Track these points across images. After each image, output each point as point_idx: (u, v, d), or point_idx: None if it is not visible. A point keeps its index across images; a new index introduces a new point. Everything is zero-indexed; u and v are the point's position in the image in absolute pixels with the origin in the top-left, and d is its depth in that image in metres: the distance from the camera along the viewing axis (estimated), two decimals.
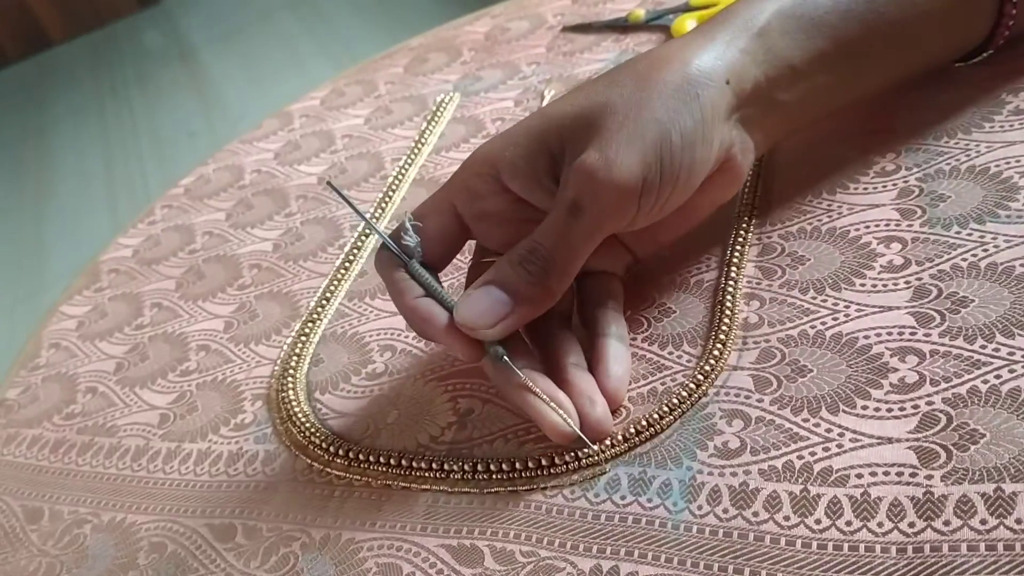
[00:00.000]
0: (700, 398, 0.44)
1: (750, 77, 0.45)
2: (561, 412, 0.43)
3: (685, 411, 0.44)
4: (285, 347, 0.58)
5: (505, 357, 0.44)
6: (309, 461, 0.50)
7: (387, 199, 0.67)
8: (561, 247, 0.43)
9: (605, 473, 0.43)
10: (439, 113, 0.75)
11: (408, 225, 0.46)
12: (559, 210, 0.43)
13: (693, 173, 0.44)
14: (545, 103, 0.70)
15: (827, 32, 0.47)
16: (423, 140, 0.72)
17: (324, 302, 0.60)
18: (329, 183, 0.46)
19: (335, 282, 0.61)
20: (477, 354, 0.45)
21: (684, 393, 0.44)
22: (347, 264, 0.62)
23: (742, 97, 0.45)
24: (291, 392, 0.54)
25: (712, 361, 0.45)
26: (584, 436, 0.43)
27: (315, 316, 0.59)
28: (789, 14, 0.46)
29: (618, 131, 0.42)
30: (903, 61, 0.50)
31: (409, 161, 0.70)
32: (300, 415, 0.52)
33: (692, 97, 0.43)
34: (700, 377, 0.44)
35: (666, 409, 0.44)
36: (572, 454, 0.44)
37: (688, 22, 0.72)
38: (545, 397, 0.43)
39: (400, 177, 0.69)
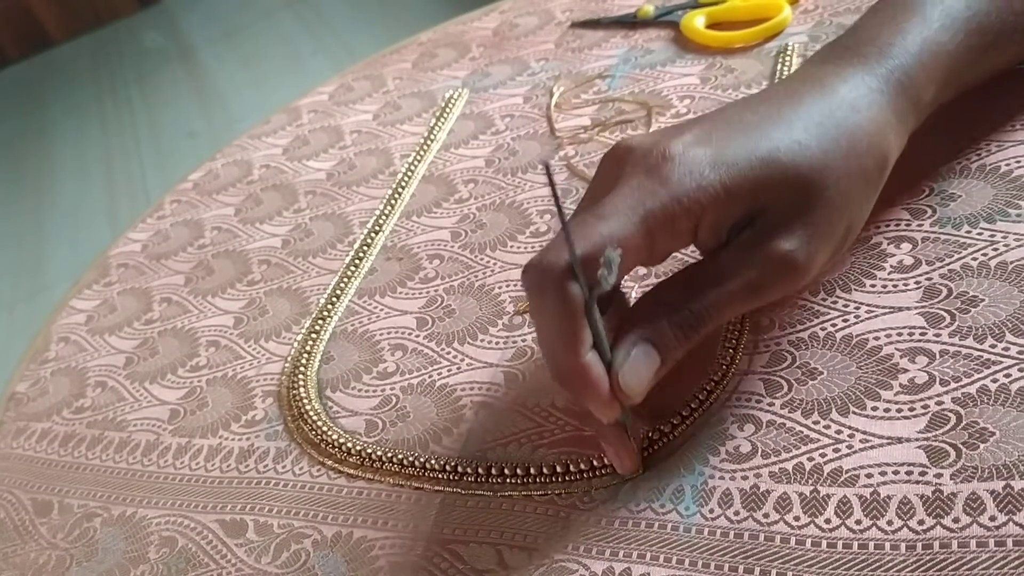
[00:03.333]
0: (712, 404, 0.44)
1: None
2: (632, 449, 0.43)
3: (698, 418, 0.44)
4: (295, 344, 0.58)
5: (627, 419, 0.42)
6: (321, 459, 0.50)
7: (396, 196, 0.67)
8: (722, 317, 0.41)
9: (619, 484, 0.43)
10: (448, 109, 0.75)
11: (614, 259, 0.38)
12: (742, 287, 0.41)
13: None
14: (554, 100, 0.70)
15: (955, 82, 0.47)
16: (432, 136, 0.72)
17: (334, 299, 0.60)
18: (546, 166, 0.39)
19: (345, 279, 0.61)
20: (616, 416, 0.41)
21: (698, 399, 0.44)
22: (357, 261, 0.62)
23: None
24: (302, 389, 0.54)
25: (723, 366, 0.45)
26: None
27: (325, 313, 0.59)
28: (941, 83, 0.46)
29: (825, 221, 0.41)
30: (998, 68, 0.50)
31: (418, 157, 0.70)
32: (311, 413, 0.52)
33: (876, 188, 0.44)
34: (712, 383, 0.45)
35: (679, 417, 0.44)
36: (587, 462, 0.44)
37: (697, 19, 0.71)
38: (629, 442, 0.42)
39: (409, 174, 0.69)
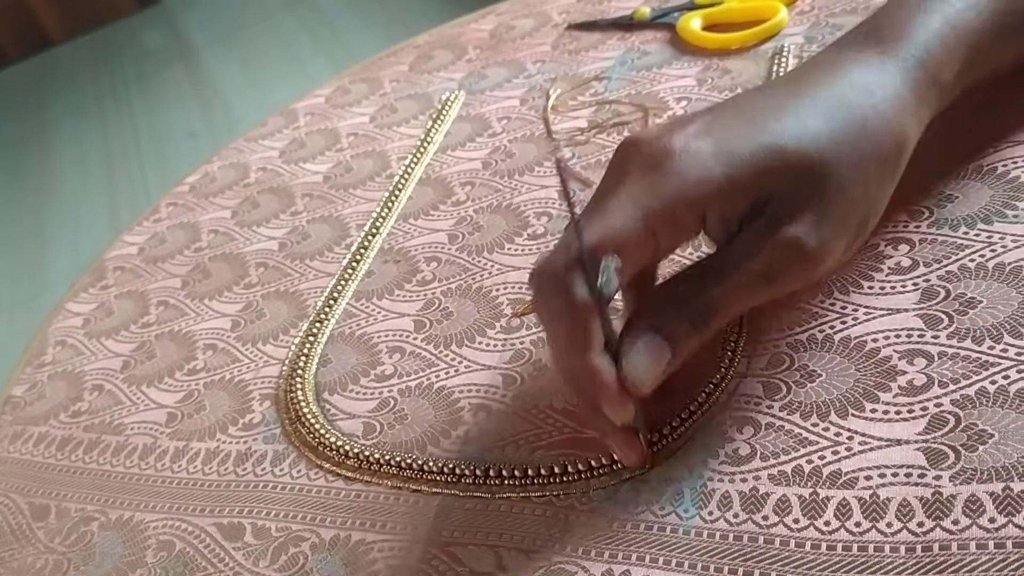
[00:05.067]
0: (711, 407, 0.44)
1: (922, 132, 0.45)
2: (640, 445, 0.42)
3: (697, 420, 0.44)
4: (293, 347, 0.58)
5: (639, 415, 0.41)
6: (319, 462, 0.50)
7: (393, 198, 0.67)
8: (735, 309, 0.41)
9: (617, 485, 0.43)
10: (445, 111, 0.75)
11: (610, 266, 0.39)
12: (753, 277, 0.40)
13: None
14: (551, 102, 0.70)
15: (981, 61, 0.46)
16: (429, 139, 0.72)
17: (332, 302, 0.60)
18: (558, 161, 0.39)
19: (342, 282, 0.61)
20: (630, 418, 0.41)
21: (697, 401, 0.44)
22: (354, 263, 0.62)
23: None
24: (300, 392, 0.54)
25: (722, 369, 0.45)
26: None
27: (323, 316, 0.59)
28: (954, 48, 0.45)
29: (835, 206, 0.40)
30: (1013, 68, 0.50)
31: (415, 160, 0.70)
32: (309, 416, 0.52)
33: (894, 172, 0.43)
34: (711, 385, 0.44)
35: (678, 420, 0.44)
36: (585, 463, 0.44)
37: (693, 21, 0.72)
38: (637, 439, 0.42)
39: (406, 176, 0.69)
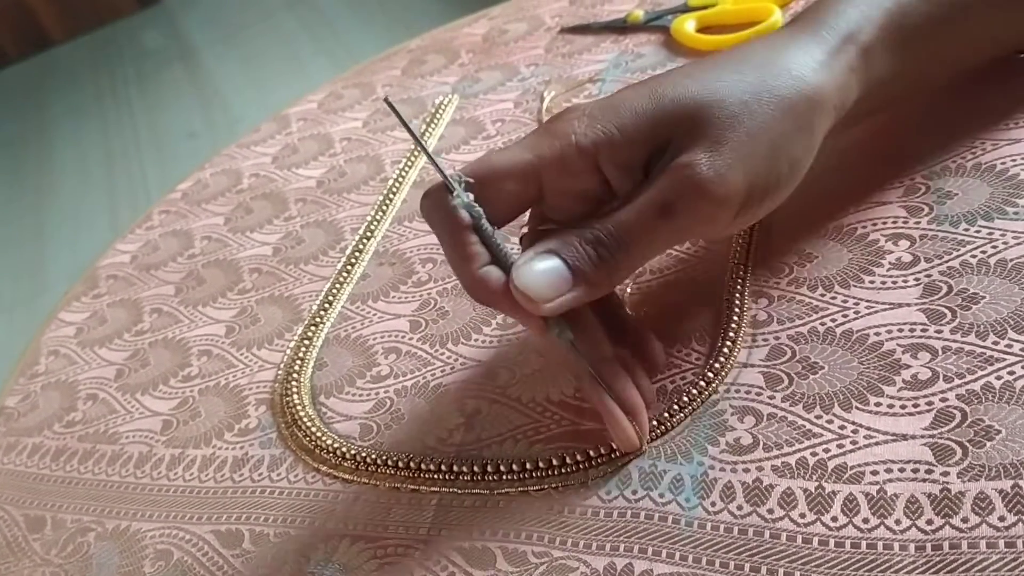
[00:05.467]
0: (711, 395, 0.44)
1: (851, 98, 0.45)
2: (633, 425, 0.42)
3: (696, 408, 0.43)
4: (288, 351, 0.57)
5: (572, 341, 0.42)
6: (316, 465, 0.49)
7: (388, 201, 0.66)
8: (640, 243, 0.41)
9: (617, 471, 0.43)
10: (438, 115, 0.74)
11: (457, 178, 0.42)
12: (649, 206, 0.41)
13: (783, 196, 0.43)
14: (545, 105, 0.70)
15: (919, 45, 0.46)
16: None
17: (327, 305, 0.60)
18: (387, 100, 0.42)
19: (337, 285, 0.61)
20: (539, 326, 0.42)
21: (694, 391, 0.44)
22: (349, 267, 0.62)
23: (839, 119, 0.44)
24: (295, 396, 0.53)
25: (722, 359, 0.45)
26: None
27: (318, 320, 0.59)
28: (889, 30, 0.45)
29: (730, 138, 0.40)
30: (979, 55, 0.50)
31: (409, 164, 0.70)
32: (305, 419, 0.52)
33: (807, 125, 0.42)
34: (710, 375, 0.44)
35: (676, 407, 0.44)
36: (583, 453, 0.43)
37: (687, 23, 0.71)
38: (617, 409, 0.42)
39: (401, 180, 0.68)
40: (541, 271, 0.40)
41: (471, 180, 0.42)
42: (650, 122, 0.42)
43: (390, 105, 0.42)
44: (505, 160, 0.43)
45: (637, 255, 0.42)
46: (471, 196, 0.42)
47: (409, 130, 0.43)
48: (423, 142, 0.43)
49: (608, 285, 0.42)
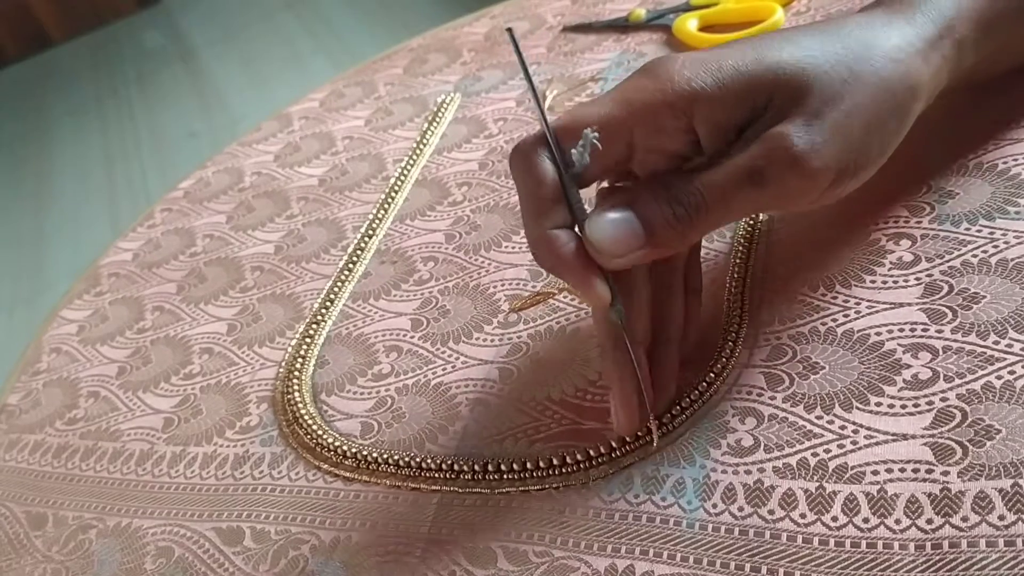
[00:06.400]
0: (712, 396, 0.44)
1: (942, 87, 0.45)
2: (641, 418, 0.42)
3: (697, 410, 0.43)
4: (290, 349, 0.57)
5: (623, 318, 0.41)
6: (317, 463, 0.49)
7: (390, 200, 0.66)
8: (720, 206, 0.40)
9: (617, 473, 0.43)
10: (440, 114, 0.74)
11: (592, 139, 0.40)
12: (739, 171, 0.40)
13: (869, 176, 0.43)
14: (547, 104, 0.69)
15: (1003, 36, 0.46)
16: (425, 141, 0.72)
17: (328, 303, 0.60)
18: (508, 31, 0.40)
19: (339, 283, 0.61)
20: (601, 297, 0.41)
21: (697, 391, 0.44)
22: (351, 265, 0.62)
23: (928, 104, 0.44)
24: (297, 394, 0.53)
25: (723, 359, 0.45)
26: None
27: (319, 318, 0.59)
28: (980, 23, 0.45)
29: (829, 114, 0.40)
30: None
31: (411, 162, 0.70)
32: (307, 417, 0.52)
33: (903, 109, 0.42)
34: (712, 375, 0.44)
35: (678, 409, 0.44)
36: (584, 453, 0.43)
37: (689, 22, 0.71)
38: (629, 391, 0.42)
39: (402, 178, 0.68)
40: (612, 222, 0.40)
41: (596, 135, 0.40)
42: (752, 84, 0.41)
43: (511, 35, 0.41)
44: (594, 114, 0.41)
45: (715, 218, 0.41)
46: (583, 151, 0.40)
47: (525, 69, 0.41)
48: (536, 89, 0.42)
49: (679, 245, 0.41)
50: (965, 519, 0.35)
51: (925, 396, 0.40)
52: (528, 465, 0.44)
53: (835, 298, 0.45)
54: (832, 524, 0.37)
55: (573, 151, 0.40)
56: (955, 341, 0.41)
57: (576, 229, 0.41)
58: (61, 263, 2.54)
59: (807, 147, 0.39)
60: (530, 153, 0.41)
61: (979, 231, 0.45)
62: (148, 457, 0.55)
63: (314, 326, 0.58)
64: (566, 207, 0.41)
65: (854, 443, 0.39)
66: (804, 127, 0.39)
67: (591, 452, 0.43)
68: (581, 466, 0.43)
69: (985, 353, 0.40)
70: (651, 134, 0.42)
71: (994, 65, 0.49)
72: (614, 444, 0.43)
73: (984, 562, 0.34)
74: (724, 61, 0.41)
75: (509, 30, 0.40)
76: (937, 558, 0.35)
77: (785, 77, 0.40)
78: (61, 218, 2.76)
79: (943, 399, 0.39)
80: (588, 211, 0.41)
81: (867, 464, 0.38)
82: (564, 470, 0.43)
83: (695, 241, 0.42)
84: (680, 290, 0.46)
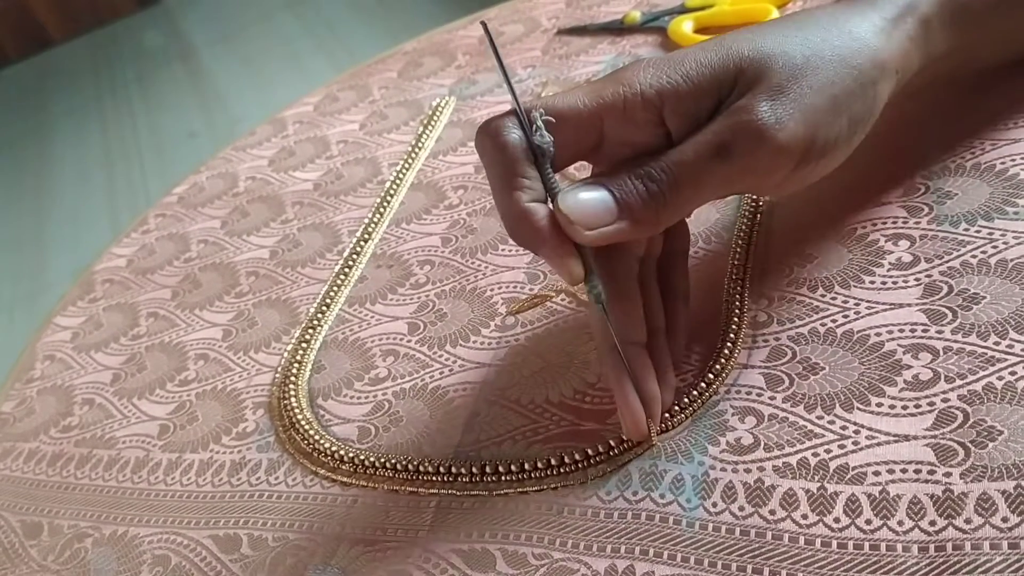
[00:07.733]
0: (711, 396, 0.43)
1: (912, 67, 0.45)
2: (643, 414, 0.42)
3: (696, 409, 0.43)
4: (286, 354, 0.57)
5: (603, 301, 0.42)
6: (314, 468, 0.49)
7: (385, 204, 0.66)
8: (690, 182, 0.41)
9: (616, 471, 0.42)
10: (435, 117, 0.74)
11: (541, 122, 0.42)
12: (705, 146, 0.40)
13: (842, 157, 0.43)
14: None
15: (975, 23, 0.47)
16: (420, 144, 0.71)
17: (324, 308, 0.59)
18: (483, 24, 0.42)
19: (335, 288, 0.61)
20: (573, 272, 0.41)
21: (695, 392, 0.44)
22: (347, 269, 0.62)
23: (900, 84, 0.45)
24: (293, 399, 0.53)
25: (722, 360, 0.44)
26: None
27: (315, 322, 0.58)
28: (946, 5, 0.45)
29: (792, 88, 0.41)
30: None
31: (406, 166, 0.70)
32: (303, 422, 0.51)
33: (869, 84, 0.42)
34: (711, 375, 0.44)
35: (677, 408, 0.43)
36: (582, 452, 0.43)
37: (684, 24, 0.71)
38: (631, 394, 0.42)
39: (398, 182, 0.68)
40: (586, 198, 0.40)
41: (552, 119, 0.42)
42: (716, 73, 0.42)
43: (486, 30, 0.42)
44: (567, 104, 0.42)
45: (687, 195, 0.41)
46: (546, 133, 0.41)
47: (498, 58, 0.42)
48: (508, 74, 0.43)
49: (654, 223, 0.42)
50: (968, 521, 0.35)
51: (926, 397, 0.39)
52: (526, 466, 0.44)
53: (834, 299, 0.45)
54: (834, 525, 0.37)
55: (537, 137, 0.41)
56: (955, 342, 0.41)
57: (550, 204, 0.41)
58: (61, 263, 2.54)
59: (771, 118, 0.40)
60: (498, 126, 0.42)
61: (978, 232, 0.45)
62: (144, 464, 0.55)
63: (310, 331, 0.58)
64: (539, 182, 0.42)
65: (855, 443, 0.39)
66: (767, 101, 0.40)
67: (589, 452, 0.43)
68: (579, 466, 0.43)
69: (986, 354, 0.40)
70: (621, 124, 0.42)
71: (974, 56, 0.49)
72: (612, 443, 0.43)
73: (988, 565, 0.34)
74: (687, 57, 0.42)
75: (483, 23, 0.42)
76: (940, 560, 0.34)
77: (747, 61, 0.42)
78: (61, 218, 2.76)
79: (944, 400, 0.39)
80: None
81: (869, 465, 0.38)
82: (562, 471, 0.43)
83: (670, 221, 0.42)
84: (653, 280, 0.47)
